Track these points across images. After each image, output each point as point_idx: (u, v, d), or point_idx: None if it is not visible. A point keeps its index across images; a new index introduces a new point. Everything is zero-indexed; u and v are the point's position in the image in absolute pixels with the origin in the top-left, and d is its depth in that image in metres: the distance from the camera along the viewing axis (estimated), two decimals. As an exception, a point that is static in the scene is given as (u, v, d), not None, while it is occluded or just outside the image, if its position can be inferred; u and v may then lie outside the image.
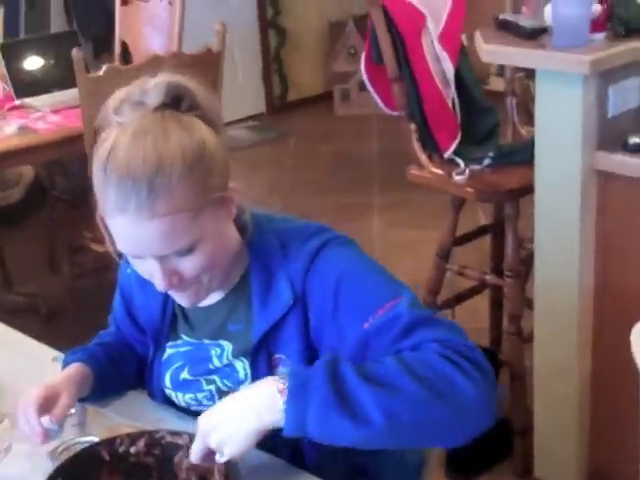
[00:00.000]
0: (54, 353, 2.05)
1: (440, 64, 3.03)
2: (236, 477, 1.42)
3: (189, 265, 1.50)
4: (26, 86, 4.07)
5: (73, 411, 1.81)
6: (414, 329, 1.45)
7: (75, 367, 1.78)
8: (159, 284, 1.51)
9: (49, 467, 1.62)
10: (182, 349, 1.75)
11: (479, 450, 3.10)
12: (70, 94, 3.92)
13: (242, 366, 1.67)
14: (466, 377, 1.38)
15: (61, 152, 3.71)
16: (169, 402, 1.81)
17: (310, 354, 1.58)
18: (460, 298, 3.41)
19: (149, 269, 1.51)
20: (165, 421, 1.73)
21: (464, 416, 1.39)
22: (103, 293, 4.36)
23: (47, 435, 1.63)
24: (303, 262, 1.57)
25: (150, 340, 1.78)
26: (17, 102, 4.00)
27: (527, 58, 2.57)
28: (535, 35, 2.60)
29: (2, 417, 1.81)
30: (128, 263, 1.65)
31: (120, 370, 1.85)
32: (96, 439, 1.59)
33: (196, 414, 1.52)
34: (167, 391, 1.79)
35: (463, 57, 3.11)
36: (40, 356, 2.05)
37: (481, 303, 3.63)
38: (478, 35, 2.71)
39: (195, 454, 1.46)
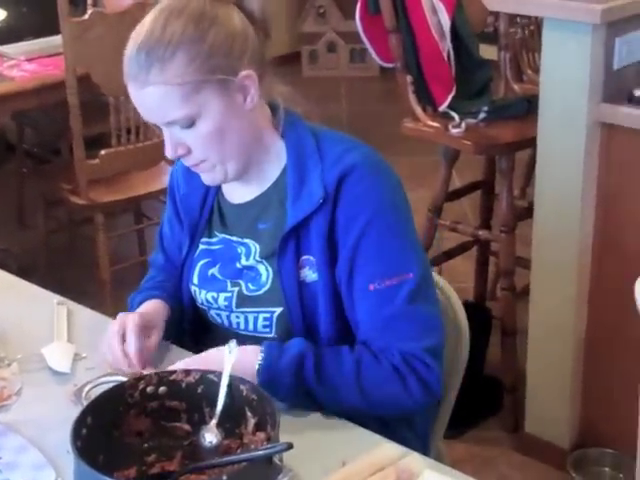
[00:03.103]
0: (57, 298, 2.00)
1: (437, 16, 3.00)
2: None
3: (193, 139, 1.60)
4: (-1, 34, 3.95)
5: (85, 355, 1.78)
6: (393, 324, 1.61)
7: (158, 303, 1.80)
8: (167, 151, 1.63)
9: (63, 409, 1.59)
10: (214, 247, 1.79)
11: (469, 405, 3.09)
12: (45, 42, 3.83)
13: (265, 269, 1.70)
14: (409, 397, 1.61)
15: (39, 100, 3.58)
16: (195, 306, 1.83)
17: (332, 256, 1.65)
18: (449, 255, 3.38)
19: (165, 138, 1.63)
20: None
21: (392, 415, 1.70)
22: (76, 249, 4.34)
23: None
24: (340, 169, 1.63)
25: (187, 235, 1.81)
26: (-11, 50, 3.88)
27: (536, 6, 2.54)
28: (541, -16, 2.56)
29: (10, 361, 1.77)
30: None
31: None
32: (123, 379, 1.53)
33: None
34: (192, 288, 1.81)
35: (459, 10, 3.07)
36: (43, 301, 2.00)
37: (462, 263, 3.62)
38: (483, -17, 2.67)
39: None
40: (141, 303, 1.81)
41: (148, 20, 1.58)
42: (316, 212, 1.63)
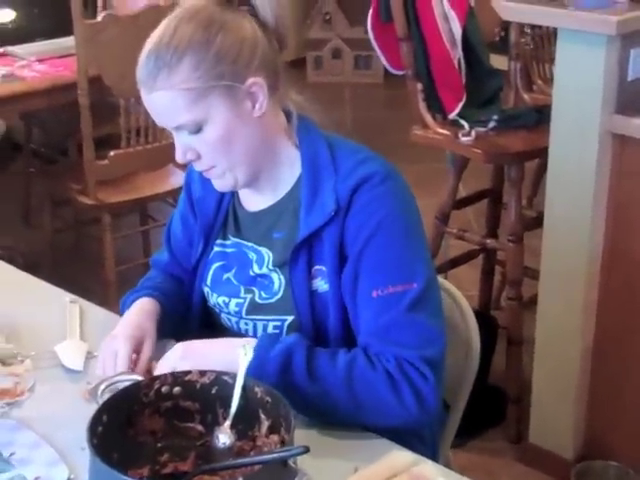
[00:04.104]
0: (69, 296, 2.01)
1: (448, 24, 3.00)
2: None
3: (201, 144, 1.61)
4: (10, 34, 3.95)
5: (97, 353, 1.77)
6: (392, 331, 1.58)
7: (146, 304, 1.78)
8: (177, 156, 1.64)
9: (75, 406, 1.60)
10: (228, 250, 1.78)
11: (472, 415, 3.09)
12: (56, 44, 3.85)
13: (277, 277, 1.70)
14: (402, 407, 1.55)
15: (49, 101, 3.60)
16: (206, 308, 1.83)
17: (343, 266, 1.64)
18: (454, 263, 3.38)
19: (175, 143, 1.64)
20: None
21: (383, 428, 1.58)
22: (81, 249, 4.35)
23: None
24: (353, 182, 1.62)
25: (201, 236, 1.80)
26: (0, 50, 3.88)
27: (551, 17, 2.53)
28: (556, -6, 2.56)
29: (24, 358, 1.77)
30: None
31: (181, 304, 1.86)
32: (139, 378, 1.53)
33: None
34: (205, 289, 1.81)
35: (470, 18, 3.08)
36: (55, 299, 2.01)
37: (467, 271, 3.62)
38: (495, -8, 2.68)
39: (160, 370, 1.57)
40: (132, 302, 1.81)
41: (161, 25, 1.59)
42: (328, 223, 1.63)
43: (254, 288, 1.72)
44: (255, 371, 1.51)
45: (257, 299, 1.72)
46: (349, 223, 1.62)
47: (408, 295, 1.58)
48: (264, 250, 1.72)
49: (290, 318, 1.68)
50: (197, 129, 1.58)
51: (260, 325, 1.72)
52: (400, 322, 1.58)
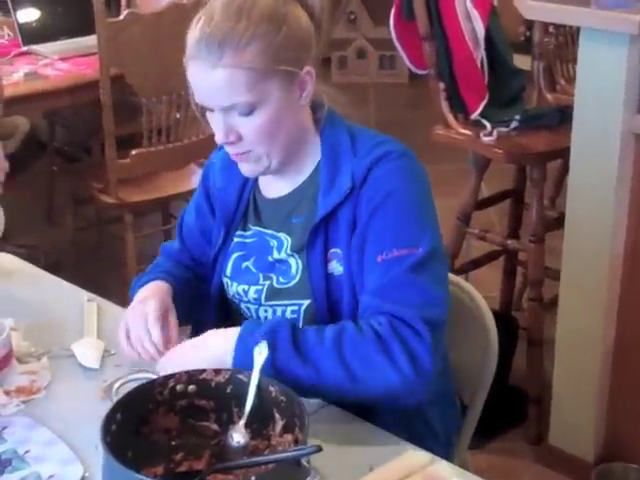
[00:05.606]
0: (86, 294, 2.02)
1: (471, 23, 2.98)
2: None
3: (247, 127, 1.61)
4: (33, 33, 3.96)
5: (114, 352, 1.78)
6: (392, 289, 1.57)
7: (160, 284, 1.81)
8: (218, 136, 1.64)
9: (91, 404, 1.59)
10: (248, 240, 1.80)
11: (491, 416, 3.07)
12: (79, 42, 3.87)
13: (295, 261, 1.71)
14: (393, 366, 1.50)
15: (72, 99, 3.62)
16: (224, 300, 1.83)
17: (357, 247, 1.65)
18: (476, 264, 3.36)
19: (217, 123, 1.63)
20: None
21: (381, 398, 1.56)
22: (103, 247, 4.36)
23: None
24: (369, 160, 1.65)
25: (221, 228, 1.81)
26: (24, 49, 3.90)
27: (573, 15, 2.51)
28: (577, -7, 2.54)
29: (40, 355, 1.77)
30: (220, 149, 1.81)
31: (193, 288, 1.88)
32: (153, 376, 1.53)
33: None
34: (225, 280, 1.82)
35: (493, 18, 3.06)
36: (73, 297, 2.02)
37: (488, 272, 3.60)
38: (518, -9, 2.66)
39: None
40: (142, 286, 1.82)
41: (218, 2, 1.59)
42: (344, 203, 1.65)
43: (272, 274, 1.74)
44: (240, 355, 1.52)
45: (275, 284, 1.73)
46: (361, 197, 1.64)
47: (412, 257, 1.58)
48: (283, 235, 1.74)
49: (307, 302, 1.69)
50: (249, 111, 1.59)
51: (279, 311, 1.73)
52: (401, 281, 1.58)
